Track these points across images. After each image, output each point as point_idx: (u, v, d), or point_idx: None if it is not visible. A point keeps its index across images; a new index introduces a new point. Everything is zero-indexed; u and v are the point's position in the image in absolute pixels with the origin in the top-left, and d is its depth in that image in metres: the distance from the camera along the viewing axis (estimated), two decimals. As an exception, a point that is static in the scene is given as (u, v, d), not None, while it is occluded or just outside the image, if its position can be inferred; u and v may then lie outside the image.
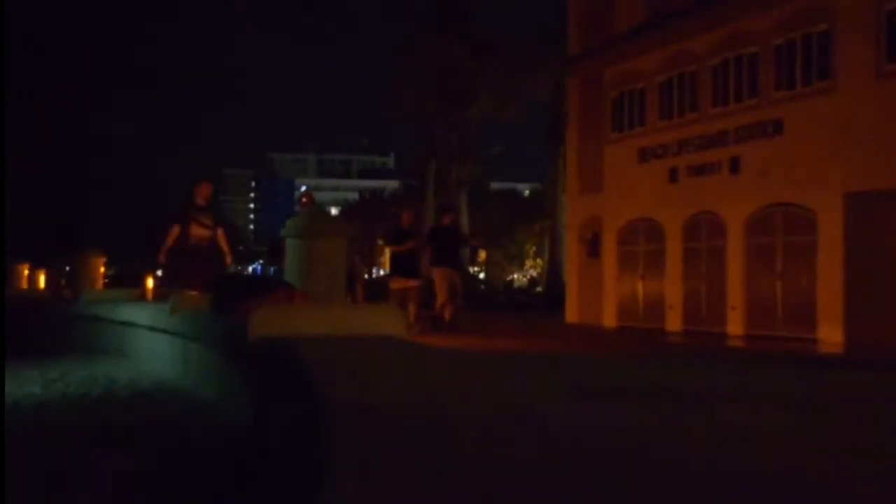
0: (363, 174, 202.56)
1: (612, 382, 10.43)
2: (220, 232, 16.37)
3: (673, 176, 23.95)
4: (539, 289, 49.41)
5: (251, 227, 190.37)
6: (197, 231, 16.22)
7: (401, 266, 18.13)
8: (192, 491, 5.96)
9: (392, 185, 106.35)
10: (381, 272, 45.61)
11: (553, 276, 42.32)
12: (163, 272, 17.89)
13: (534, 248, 72.18)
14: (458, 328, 18.00)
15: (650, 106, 24.99)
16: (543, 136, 44.55)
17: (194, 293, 13.47)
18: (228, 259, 16.67)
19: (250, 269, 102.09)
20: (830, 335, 19.25)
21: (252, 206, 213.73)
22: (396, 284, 17.96)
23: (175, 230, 16.17)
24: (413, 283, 18.04)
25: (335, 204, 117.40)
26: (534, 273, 72.38)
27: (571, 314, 28.11)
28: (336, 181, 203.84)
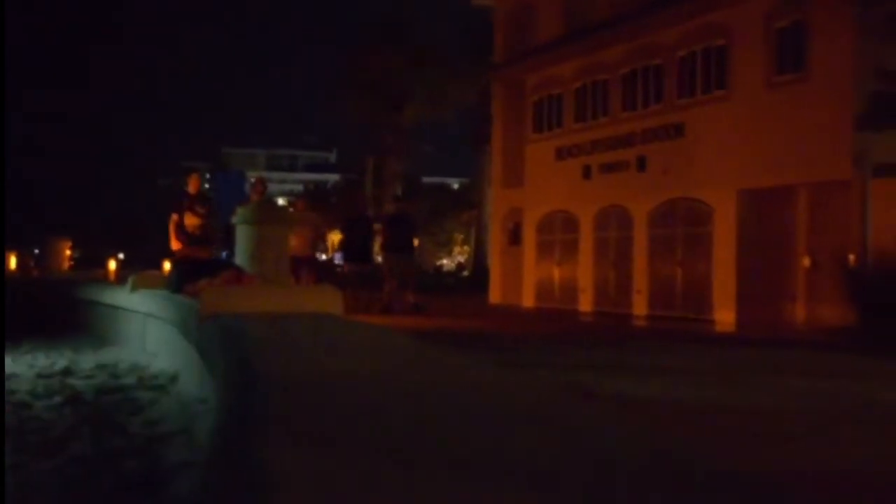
0: (308, 168, 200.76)
1: (521, 358, 10.45)
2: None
3: (586, 173, 24.02)
4: (466, 273, 49.43)
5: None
6: (190, 220, 15.97)
7: (354, 251, 17.94)
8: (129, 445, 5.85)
9: (334, 178, 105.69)
10: (324, 256, 45.32)
11: (478, 262, 42.39)
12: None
13: (461, 237, 72.22)
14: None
15: (567, 110, 25.04)
16: (471, 136, 44.56)
17: (153, 273, 13.33)
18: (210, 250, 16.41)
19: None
20: (724, 316, 19.46)
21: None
22: (349, 267, 17.83)
23: (174, 218, 15.89)
24: (366, 266, 17.92)
25: (282, 195, 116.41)
26: (461, 259, 72.41)
27: (494, 296, 28.14)
28: (283, 174, 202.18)
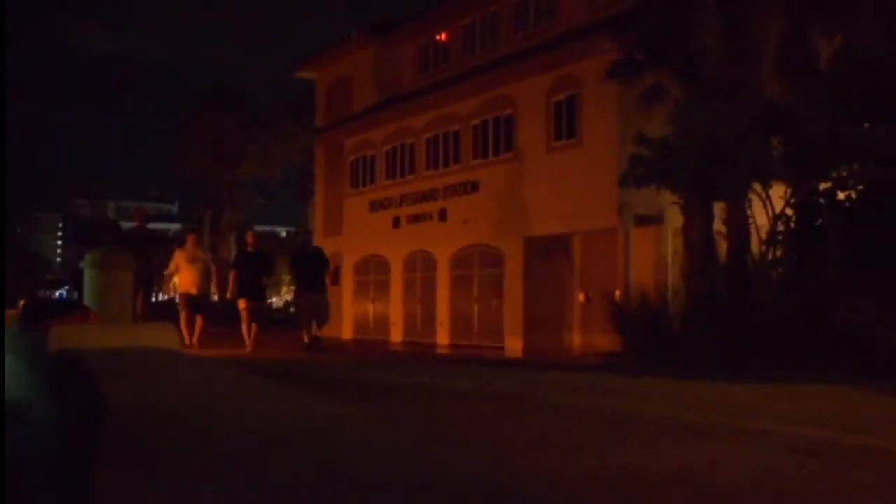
0: (153, 218, 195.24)
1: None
2: None
3: (396, 223, 23.86)
4: (293, 310, 48.55)
5: (58, 259, 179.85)
6: None
7: (246, 288, 16.46)
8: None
9: (176, 227, 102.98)
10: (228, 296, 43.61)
11: (303, 300, 41.77)
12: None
13: (289, 278, 71.24)
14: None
15: (379, 168, 24.86)
16: (297, 190, 44.22)
17: (9, 312, 12.48)
18: None
19: (57, 294, 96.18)
20: (513, 344, 19.49)
21: (59, 242, 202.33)
22: (243, 304, 16.36)
23: None
24: (256, 303, 16.54)
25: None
26: (288, 297, 71.35)
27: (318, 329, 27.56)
28: (130, 223, 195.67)
